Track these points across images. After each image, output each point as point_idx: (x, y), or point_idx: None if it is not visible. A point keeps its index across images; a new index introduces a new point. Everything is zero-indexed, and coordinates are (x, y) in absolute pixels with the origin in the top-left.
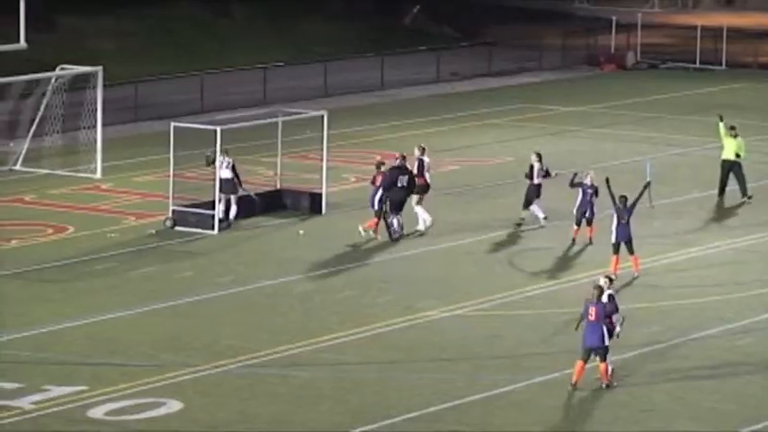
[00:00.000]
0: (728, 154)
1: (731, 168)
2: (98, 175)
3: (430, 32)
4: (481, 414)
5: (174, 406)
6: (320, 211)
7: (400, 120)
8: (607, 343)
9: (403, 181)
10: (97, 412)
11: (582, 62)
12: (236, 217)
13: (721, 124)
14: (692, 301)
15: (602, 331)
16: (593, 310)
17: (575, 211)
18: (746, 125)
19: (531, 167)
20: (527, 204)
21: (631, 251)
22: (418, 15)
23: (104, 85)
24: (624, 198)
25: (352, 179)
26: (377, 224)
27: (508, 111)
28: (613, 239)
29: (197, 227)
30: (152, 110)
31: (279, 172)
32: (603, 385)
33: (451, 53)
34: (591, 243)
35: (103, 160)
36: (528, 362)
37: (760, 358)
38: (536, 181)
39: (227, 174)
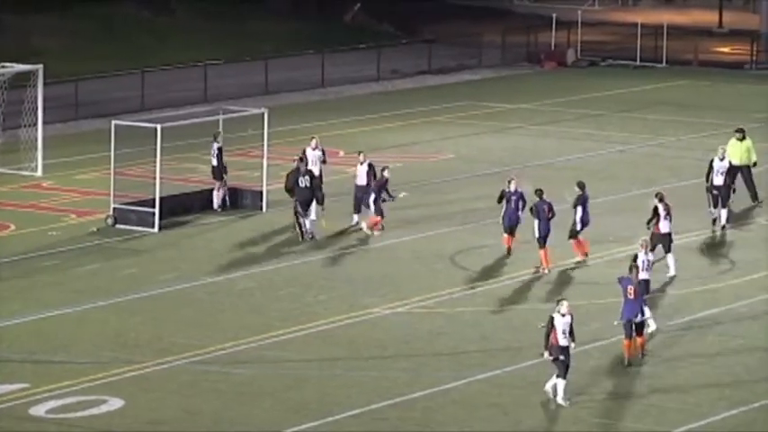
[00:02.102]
0: (735, 158)
1: (740, 173)
2: (39, 173)
3: (370, 30)
4: (423, 411)
5: (116, 403)
6: (261, 209)
7: (341, 117)
8: (647, 317)
9: (305, 181)
10: (39, 410)
11: (522, 59)
12: (221, 206)
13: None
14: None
15: (641, 307)
16: (631, 289)
17: (500, 220)
18: (686, 122)
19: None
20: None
21: (542, 245)
22: (359, 13)
23: (45, 83)
24: (540, 192)
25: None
26: (378, 222)
27: (449, 108)
28: (536, 234)
29: (138, 225)
30: (93, 107)
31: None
32: (641, 356)
33: (392, 50)
34: (509, 253)
35: (45, 158)
36: (469, 359)
37: (700, 355)
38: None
39: (214, 161)
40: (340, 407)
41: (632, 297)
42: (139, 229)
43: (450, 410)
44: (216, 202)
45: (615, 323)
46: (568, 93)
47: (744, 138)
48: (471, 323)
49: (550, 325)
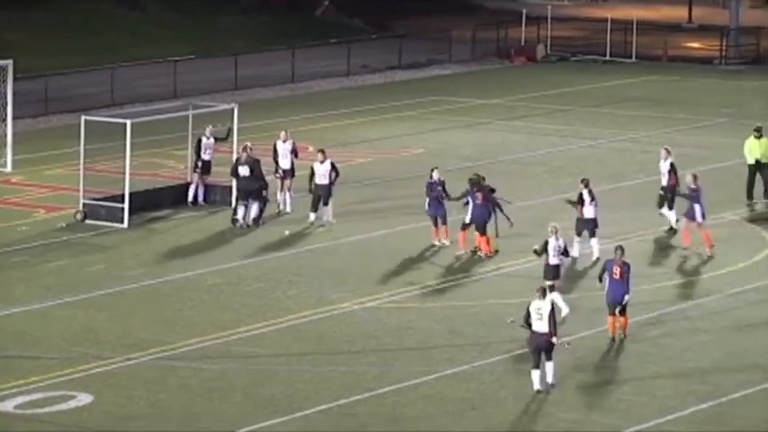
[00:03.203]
0: (755, 156)
1: (758, 170)
2: (8, 168)
3: (341, 25)
4: (392, 406)
5: (85, 399)
6: (230, 204)
7: (312, 112)
8: (626, 299)
9: (244, 171)
10: (7, 405)
11: (492, 55)
12: (194, 201)
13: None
14: (600, 293)
15: (624, 288)
16: (617, 270)
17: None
18: (656, 118)
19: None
20: None
21: (482, 232)
22: (329, 8)
23: (14, 78)
24: (476, 178)
25: (264, 171)
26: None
27: (419, 103)
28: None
29: (107, 220)
30: (63, 103)
31: (190, 165)
32: (623, 337)
33: (362, 46)
34: (442, 244)
35: (14, 153)
36: (438, 354)
37: (669, 350)
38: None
39: (208, 156)
40: (309, 402)
41: (618, 278)
42: (108, 224)
43: (419, 405)
44: (191, 195)
45: (598, 282)
46: (538, 88)
47: (761, 135)
48: (440, 318)
49: (527, 312)
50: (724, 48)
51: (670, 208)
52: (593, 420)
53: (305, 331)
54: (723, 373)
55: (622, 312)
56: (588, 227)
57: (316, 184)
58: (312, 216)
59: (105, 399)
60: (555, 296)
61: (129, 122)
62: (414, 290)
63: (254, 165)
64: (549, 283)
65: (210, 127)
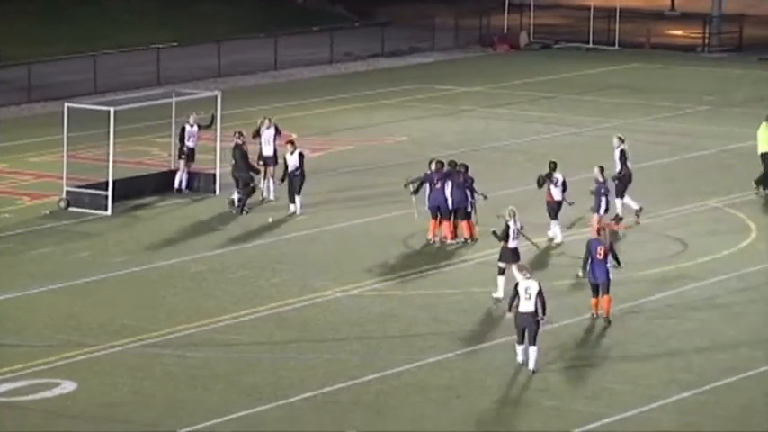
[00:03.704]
0: (766, 145)
1: None
2: None
3: (323, 12)
4: (376, 394)
5: (69, 386)
6: (214, 192)
7: (294, 100)
8: (612, 278)
9: (235, 156)
10: None
11: (475, 42)
12: (189, 188)
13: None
14: (584, 281)
15: (607, 268)
16: (601, 250)
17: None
18: (639, 105)
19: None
20: None
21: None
22: None
23: None
24: (441, 164)
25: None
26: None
27: (402, 91)
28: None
29: (91, 207)
30: (46, 90)
31: (173, 152)
32: (605, 319)
33: (345, 33)
34: (463, 241)
35: None
36: (422, 342)
37: (651, 338)
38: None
39: (192, 144)
40: (293, 390)
41: (601, 258)
42: (92, 211)
43: (402, 393)
44: (177, 182)
45: (579, 275)
46: (521, 76)
47: None
48: (423, 306)
49: (514, 291)
50: (707, 35)
51: (620, 196)
52: (576, 408)
53: (288, 319)
54: (706, 360)
55: (605, 292)
56: (554, 209)
57: (290, 175)
58: (292, 206)
59: (89, 386)
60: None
61: (112, 110)
62: (397, 277)
63: (239, 153)
64: (502, 265)
65: (194, 114)
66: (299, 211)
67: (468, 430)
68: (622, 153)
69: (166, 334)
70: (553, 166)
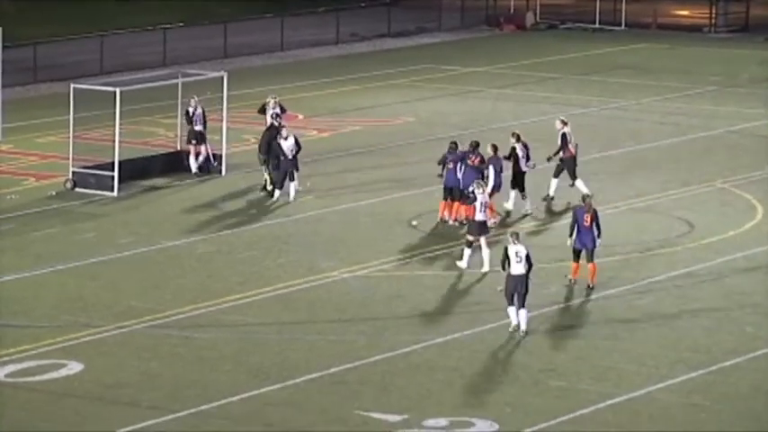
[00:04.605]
0: None
1: None
2: None
3: None
4: (382, 375)
5: (76, 367)
6: (221, 172)
7: (301, 81)
8: (597, 245)
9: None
10: None
11: (481, 23)
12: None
13: None
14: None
15: (594, 235)
16: (587, 217)
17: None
18: (645, 86)
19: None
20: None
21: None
22: None
23: (3, 47)
24: (455, 145)
25: (253, 140)
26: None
27: (409, 71)
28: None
29: (97, 188)
30: (52, 71)
31: (179, 133)
32: (590, 286)
33: (351, 14)
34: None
35: (3, 122)
36: (428, 323)
37: (658, 318)
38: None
39: (199, 127)
40: (299, 370)
41: (587, 225)
42: (98, 192)
43: (409, 374)
44: (194, 165)
45: (568, 244)
46: (527, 56)
47: None
48: (430, 287)
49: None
50: (713, 16)
51: (556, 176)
52: (583, 388)
53: (295, 300)
54: (714, 341)
55: (591, 259)
56: (521, 180)
57: (285, 159)
58: (277, 193)
59: (96, 367)
60: (484, 252)
61: (118, 90)
62: (404, 258)
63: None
64: (471, 238)
65: (196, 98)
66: (291, 199)
67: (474, 411)
68: (564, 136)
69: (173, 315)
70: (517, 137)
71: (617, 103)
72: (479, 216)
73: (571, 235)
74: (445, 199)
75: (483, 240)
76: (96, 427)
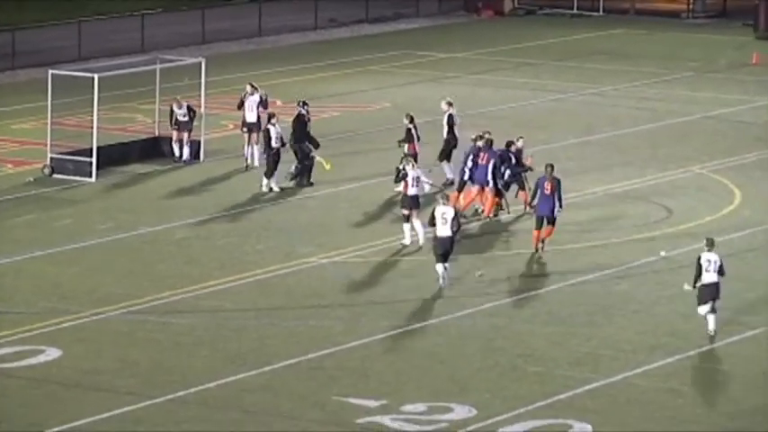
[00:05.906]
0: None
1: None
2: None
3: None
4: (360, 360)
5: (54, 353)
6: (199, 158)
7: (279, 67)
8: (557, 212)
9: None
10: None
11: (459, 8)
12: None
13: None
14: (569, 246)
15: (554, 202)
16: (548, 185)
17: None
18: (623, 71)
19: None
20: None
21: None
22: None
23: None
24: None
25: (231, 126)
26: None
27: (386, 57)
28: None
29: (75, 174)
30: (30, 57)
31: (157, 119)
32: (542, 243)
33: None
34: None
35: None
36: (405, 308)
37: (636, 303)
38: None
39: (182, 117)
40: (277, 356)
41: (548, 193)
42: (76, 178)
43: (386, 359)
44: (186, 153)
45: (529, 210)
46: (505, 42)
47: None
48: (407, 273)
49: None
50: (691, 1)
51: (447, 161)
52: (560, 374)
53: (273, 285)
54: (691, 326)
55: (552, 224)
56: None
57: (272, 148)
58: (265, 181)
59: (74, 353)
60: (416, 224)
61: (96, 76)
62: (381, 244)
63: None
64: (405, 212)
65: (179, 99)
66: (276, 188)
67: (452, 396)
68: (450, 117)
69: (151, 301)
70: (410, 118)
71: (595, 89)
72: (411, 190)
73: (532, 199)
74: (460, 191)
75: (414, 213)
76: (74, 413)
